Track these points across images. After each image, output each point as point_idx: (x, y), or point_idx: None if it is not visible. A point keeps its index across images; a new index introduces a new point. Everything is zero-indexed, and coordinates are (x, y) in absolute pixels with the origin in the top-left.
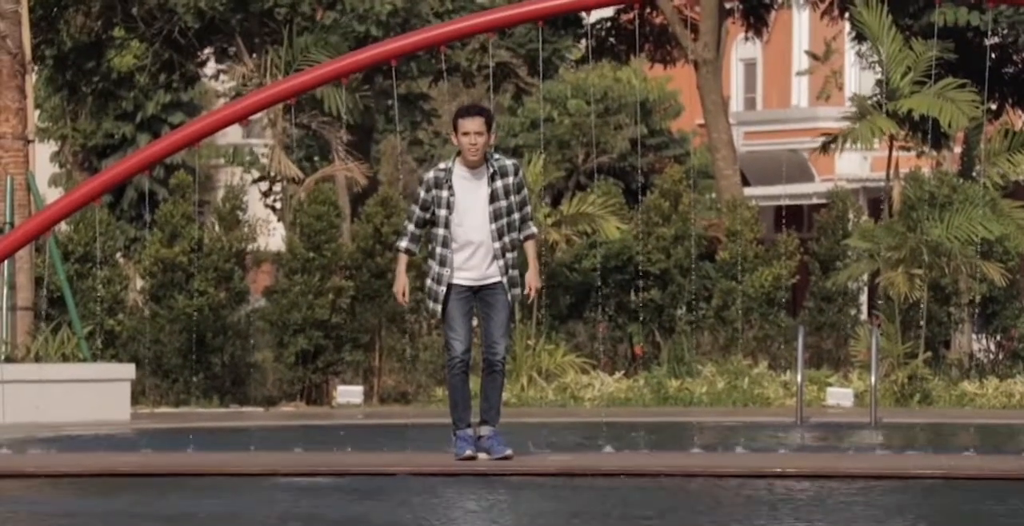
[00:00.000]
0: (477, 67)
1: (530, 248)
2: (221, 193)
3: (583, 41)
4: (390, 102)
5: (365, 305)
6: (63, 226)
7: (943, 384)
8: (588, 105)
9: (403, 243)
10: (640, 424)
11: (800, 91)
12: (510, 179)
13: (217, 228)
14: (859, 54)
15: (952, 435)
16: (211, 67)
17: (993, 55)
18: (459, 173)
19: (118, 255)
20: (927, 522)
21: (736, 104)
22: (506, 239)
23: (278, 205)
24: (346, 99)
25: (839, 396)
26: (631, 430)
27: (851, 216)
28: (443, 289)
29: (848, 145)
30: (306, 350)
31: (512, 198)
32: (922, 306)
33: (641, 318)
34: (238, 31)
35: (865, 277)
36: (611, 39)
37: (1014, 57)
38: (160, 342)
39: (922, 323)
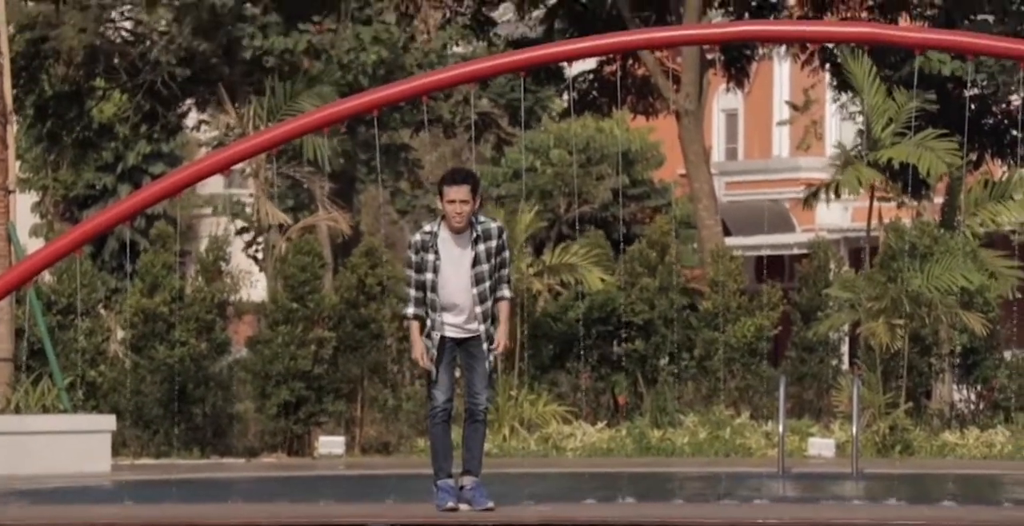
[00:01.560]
0: (459, 119)
1: (503, 310)
2: (203, 243)
3: (565, 94)
4: (372, 152)
5: (347, 356)
6: (47, 277)
7: (924, 434)
8: (570, 155)
9: (410, 310)
10: (622, 474)
11: (781, 141)
12: (492, 243)
13: (200, 279)
14: (840, 105)
15: (933, 486)
16: (192, 118)
17: (973, 106)
18: (443, 236)
19: (100, 307)
20: None
21: (718, 154)
22: (488, 303)
23: (260, 255)
24: (326, 146)
25: (821, 446)
26: (613, 481)
27: (832, 266)
28: (435, 353)
29: (832, 195)
30: (288, 401)
31: (493, 261)
32: (903, 356)
33: (624, 368)
34: (221, 80)
35: (846, 327)
36: (593, 91)
37: (993, 108)
38: (141, 393)
39: (903, 373)
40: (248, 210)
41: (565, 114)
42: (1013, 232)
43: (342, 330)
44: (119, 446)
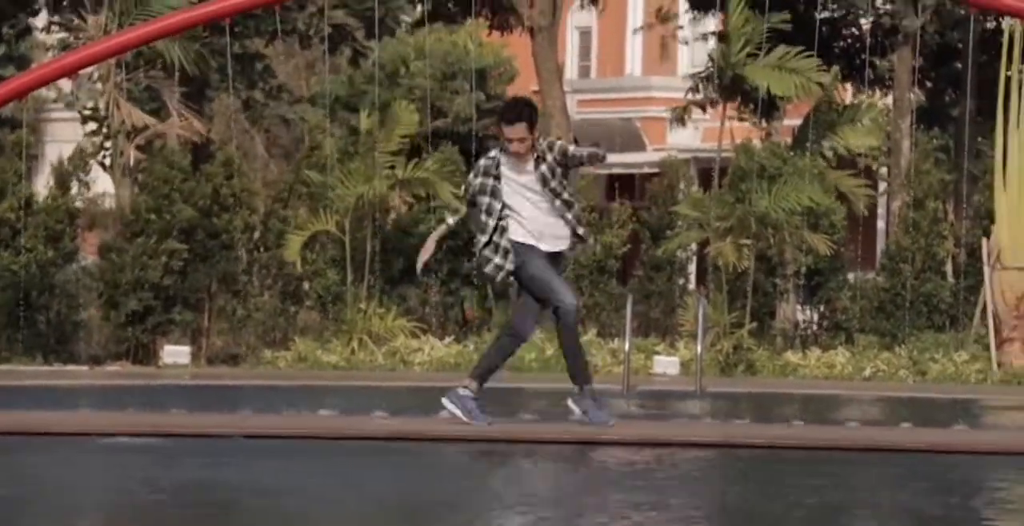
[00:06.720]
0: (314, 30)
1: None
2: (48, 148)
3: (419, 6)
4: (225, 60)
5: (197, 265)
6: None
7: (767, 354)
8: (427, 68)
9: (451, 219)
10: None
11: (634, 60)
12: (549, 157)
13: (55, 188)
14: (694, 19)
15: (775, 405)
16: (43, 19)
17: (824, 29)
18: (504, 161)
19: None
20: (749, 490)
21: (570, 71)
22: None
23: (107, 162)
24: (185, 51)
25: (665, 365)
26: None
27: (682, 186)
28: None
29: (694, 114)
30: (136, 311)
31: (557, 172)
32: (749, 276)
33: (474, 283)
34: None
35: (694, 247)
36: (449, 4)
37: (843, 31)
38: None
39: (748, 293)
40: (101, 111)
41: (419, 24)
42: (860, 156)
43: (193, 239)
44: None
